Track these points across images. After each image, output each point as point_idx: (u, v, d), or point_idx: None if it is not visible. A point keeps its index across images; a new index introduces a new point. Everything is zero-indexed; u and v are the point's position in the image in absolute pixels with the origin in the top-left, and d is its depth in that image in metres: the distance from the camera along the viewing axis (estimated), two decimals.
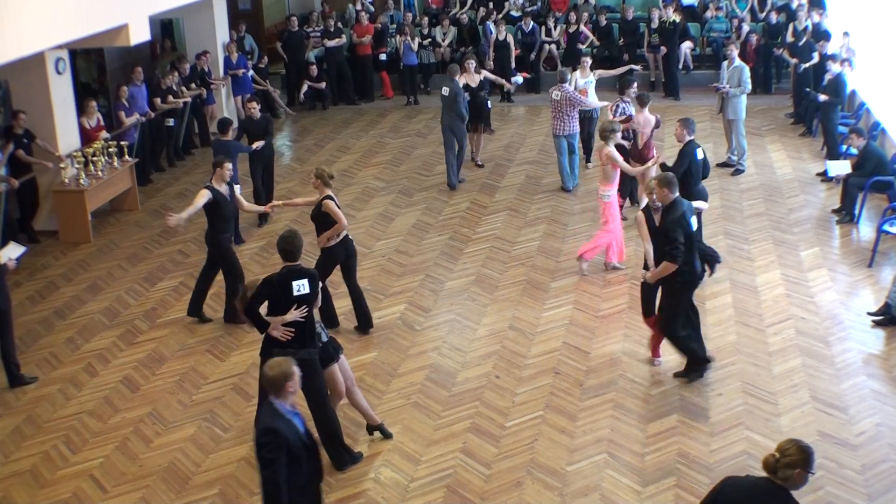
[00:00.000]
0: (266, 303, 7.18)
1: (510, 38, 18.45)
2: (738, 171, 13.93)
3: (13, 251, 9.21)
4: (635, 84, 12.95)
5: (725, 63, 14.08)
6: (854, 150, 12.53)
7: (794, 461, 4.89)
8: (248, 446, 7.90)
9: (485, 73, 14.73)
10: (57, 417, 8.50)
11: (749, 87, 13.81)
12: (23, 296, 10.95)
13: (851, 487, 7.14)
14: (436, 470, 7.52)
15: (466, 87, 13.97)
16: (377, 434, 7.90)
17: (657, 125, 11.99)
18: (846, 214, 12.10)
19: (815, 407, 8.17)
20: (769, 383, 8.56)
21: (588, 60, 14.33)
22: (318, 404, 7.31)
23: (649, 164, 11.00)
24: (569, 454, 7.64)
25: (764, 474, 4.99)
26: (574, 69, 14.64)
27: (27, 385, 9.00)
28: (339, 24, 19.16)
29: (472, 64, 14.33)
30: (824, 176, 13.46)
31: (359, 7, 19.73)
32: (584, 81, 13.93)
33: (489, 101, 14.85)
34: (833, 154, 13.87)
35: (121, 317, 10.41)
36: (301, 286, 7.12)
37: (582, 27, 18.96)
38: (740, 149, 13.97)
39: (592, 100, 13.86)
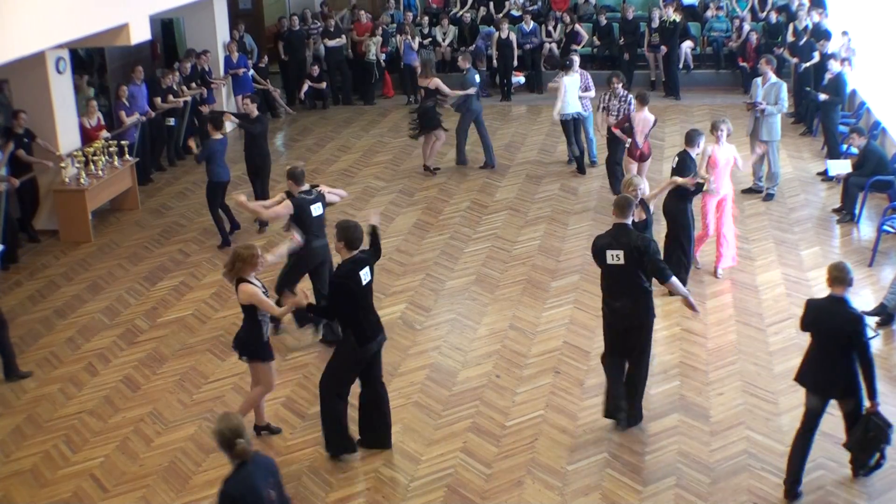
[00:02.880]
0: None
1: (513, 37, 18.47)
2: (769, 196, 12.89)
3: None
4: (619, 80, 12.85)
5: (759, 80, 12.78)
6: (854, 150, 12.52)
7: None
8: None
9: (436, 80, 14.19)
10: (57, 417, 8.51)
11: (786, 105, 12.74)
12: (23, 295, 10.96)
13: (851, 487, 7.15)
14: (436, 469, 7.52)
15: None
16: (265, 434, 8.06)
17: (654, 124, 12.06)
18: (846, 214, 12.10)
19: None
20: (770, 382, 8.56)
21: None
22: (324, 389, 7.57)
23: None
24: (569, 453, 7.64)
25: None
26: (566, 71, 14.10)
27: (22, 378, 9.06)
28: (339, 24, 19.19)
29: (425, 68, 14.42)
30: (825, 175, 13.46)
31: (353, 5, 19.79)
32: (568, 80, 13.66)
33: (432, 107, 14.17)
34: (833, 153, 13.86)
35: (121, 316, 10.42)
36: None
37: (577, 27, 18.94)
38: (773, 174, 12.88)
39: (574, 98, 13.65)
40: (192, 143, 12.75)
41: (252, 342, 7.60)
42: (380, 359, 7.66)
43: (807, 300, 7.12)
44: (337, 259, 7.68)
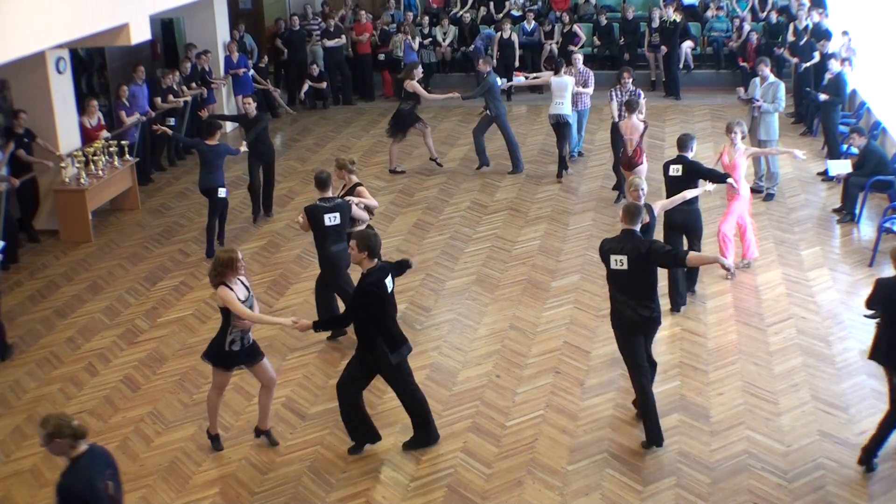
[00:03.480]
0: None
1: (515, 37, 18.46)
2: (769, 196, 12.83)
3: None
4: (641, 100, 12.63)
5: (758, 80, 12.77)
6: (855, 150, 12.51)
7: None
8: (249, 445, 7.91)
9: (413, 83, 14.25)
10: None
11: (783, 105, 12.64)
12: (23, 295, 10.96)
13: (852, 487, 7.14)
14: (436, 469, 7.52)
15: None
16: (263, 438, 7.97)
17: (645, 130, 11.96)
18: (847, 214, 12.10)
19: (816, 406, 8.17)
20: (770, 382, 8.56)
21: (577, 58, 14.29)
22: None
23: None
24: (569, 453, 7.64)
25: None
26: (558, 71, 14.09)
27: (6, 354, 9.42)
28: (339, 24, 19.20)
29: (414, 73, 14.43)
30: (825, 175, 13.46)
31: (351, 5, 19.83)
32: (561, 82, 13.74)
33: (407, 110, 14.35)
34: (834, 153, 13.86)
35: (121, 316, 10.42)
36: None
37: (575, 27, 18.93)
38: (773, 174, 12.86)
39: (561, 101, 13.68)
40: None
41: (213, 346, 7.62)
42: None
43: (876, 279, 7.34)
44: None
